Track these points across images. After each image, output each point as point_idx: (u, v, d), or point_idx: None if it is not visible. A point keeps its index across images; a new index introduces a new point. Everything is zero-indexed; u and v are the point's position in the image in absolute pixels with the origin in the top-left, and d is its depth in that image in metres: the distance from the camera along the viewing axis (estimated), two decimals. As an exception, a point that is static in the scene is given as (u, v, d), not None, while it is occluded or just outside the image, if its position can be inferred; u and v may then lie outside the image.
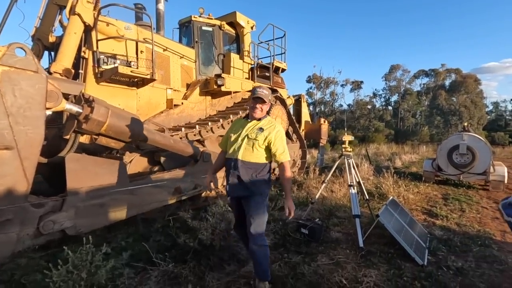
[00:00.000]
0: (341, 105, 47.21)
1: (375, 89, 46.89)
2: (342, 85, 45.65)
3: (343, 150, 3.74)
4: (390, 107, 43.85)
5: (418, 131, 36.78)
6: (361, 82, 45.57)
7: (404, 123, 40.59)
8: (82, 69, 4.29)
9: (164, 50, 5.56)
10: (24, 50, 2.35)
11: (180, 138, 4.73)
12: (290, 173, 2.33)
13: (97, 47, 4.26)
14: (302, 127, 9.42)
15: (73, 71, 3.99)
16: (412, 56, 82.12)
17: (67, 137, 2.99)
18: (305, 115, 9.71)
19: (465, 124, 8.31)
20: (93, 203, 2.89)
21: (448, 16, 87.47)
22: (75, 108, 2.82)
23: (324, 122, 9.47)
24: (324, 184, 3.95)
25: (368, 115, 41.57)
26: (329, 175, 3.94)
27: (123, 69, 4.16)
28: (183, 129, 4.79)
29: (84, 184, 2.85)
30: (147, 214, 3.90)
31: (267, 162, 2.35)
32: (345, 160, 3.68)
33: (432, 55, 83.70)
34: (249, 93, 7.37)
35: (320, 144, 9.65)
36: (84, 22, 4.02)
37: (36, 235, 2.53)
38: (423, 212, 4.99)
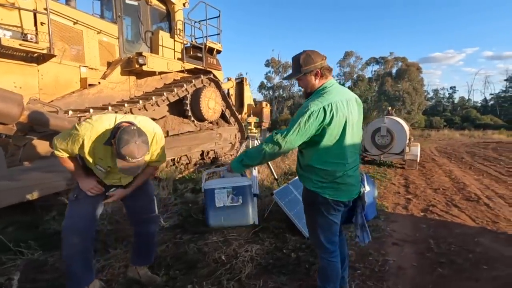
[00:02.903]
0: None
1: (331, 75, 48.29)
2: (300, 70, 46.38)
3: (249, 131, 3.81)
4: (344, 93, 45.79)
5: (368, 115, 39.17)
6: (318, 67, 46.77)
7: (356, 108, 42.80)
8: (-40, 40, 3.74)
9: (75, 23, 5.05)
10: None
11: (90, 120, 4.42)
12: None
13: (-23, 15, 3.72)
14: (245, 110, 9.45)
15: None
16: (364, 43, 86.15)
17: None
18: (248, 98, 9.73)
19: (389, 108, 9.00)
20: (-46, 191, 2.59)
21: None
22: None
23: (266, 105, 9.59)
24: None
25: (324, 100, 43.05)
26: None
27: (8, 42, 3.69)
28: (91, 110, 4.47)
29: None
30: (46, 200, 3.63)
31: None
32: (250, 141, 3.76)
33: (384, 42, 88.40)
34: (181, 74, 7.10)
35: (262, 127, 9.81)
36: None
37: None
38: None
